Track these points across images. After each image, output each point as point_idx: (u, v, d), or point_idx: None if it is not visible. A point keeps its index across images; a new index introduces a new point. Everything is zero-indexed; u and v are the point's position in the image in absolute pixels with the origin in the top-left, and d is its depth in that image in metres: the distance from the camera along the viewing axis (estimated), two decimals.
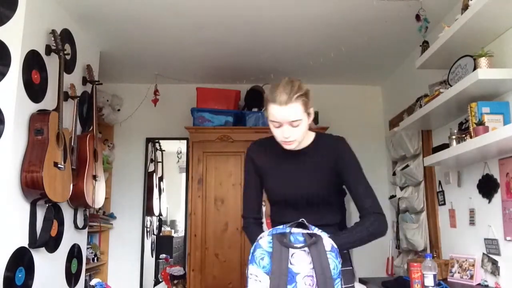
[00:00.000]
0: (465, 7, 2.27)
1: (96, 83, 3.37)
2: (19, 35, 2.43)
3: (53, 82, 2.73)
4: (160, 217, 5.26)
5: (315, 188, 1.69)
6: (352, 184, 1.69)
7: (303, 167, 1.71)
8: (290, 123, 1.59)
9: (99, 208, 4.00)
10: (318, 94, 4.48)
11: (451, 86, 2.48)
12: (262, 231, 1.65)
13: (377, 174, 4.43)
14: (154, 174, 4.87)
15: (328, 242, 1.48)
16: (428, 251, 3.28)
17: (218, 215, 3.76)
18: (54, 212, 2.68)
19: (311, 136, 1.75)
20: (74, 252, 3.06)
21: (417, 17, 2.80)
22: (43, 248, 2.62)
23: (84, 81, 3.29)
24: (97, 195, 3.14)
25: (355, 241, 1.59)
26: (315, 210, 1.69)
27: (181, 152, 5.14)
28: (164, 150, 5.12)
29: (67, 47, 2.96)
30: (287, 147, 1.67)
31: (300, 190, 1.69)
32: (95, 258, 3.94)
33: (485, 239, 2.50)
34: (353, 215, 4.43)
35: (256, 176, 1.78)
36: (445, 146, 2.62)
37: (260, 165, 1.76)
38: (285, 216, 1.68)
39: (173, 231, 6.07)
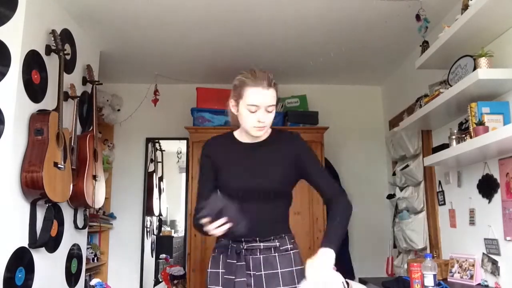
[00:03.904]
0: (465, 7, 2.27)
1: (96, 83, 3.37)
2: (19, 35, 2.43)
3: (53, 82, 2.73)
4: (160, 217, 5.26)
5: (269, 181, 1.68)
6: (315, 175, 1.72)
7: (260, 159, 1.71)
8: (266, 108, 1.63)
9: (99, 208, 4.00)
10: (318, 94, 4.55)
11: (451, 86, 2.47)
12: None
13: (377, 174, 4.44)
14: (154, 174, 4.88)
15: None
16: (428, 251, 3.28)
17: None
18: (54, 212, 2.68)
19: (268, 131, 1.76)
20: (74, 252, 3.06)
21: (417, 17, 2.80)
22: (43, 248, 2.62)
23: (84, 81, 3.29)
24: (97, 195, 3.14)
25: (341, 233, 1.61)
26: (267, 203, 1.68)
27: (181, 152, 5.14)
28: (164, 150, 5.12)
29: (67, 47, 2.96)
30: (258, 133, 1.68)
31: (254, 182, 1.67)
32: (95, 258, 3.94)
33: (485, 239, 2.50)
34: (352, 215, 4.42)
35: (211, 171, 1.75)
36: (445, 146, 2.62)
37: (216, 160, 1.74)
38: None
39: (173, 231, 6.07)
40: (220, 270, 1.69)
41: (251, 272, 1.64)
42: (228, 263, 1.66)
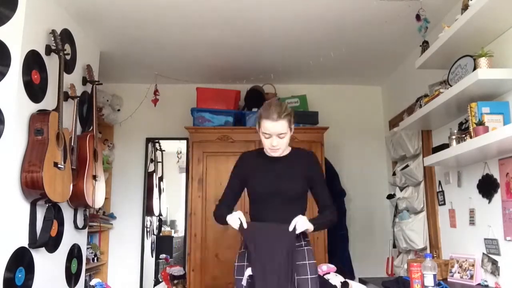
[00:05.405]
0: (465, 7, 2.27)
1: (96, 83, 3.37)
2: (19, 35, 2.43)
3: (53, 82, 2.73)
4: (160, 217, 5.26)
5: (289, 186, 2.12)
6: (320, 190, 2.21)
7: (281, 170, 2.14)
8: (278, 135, 2.07)
9: (99, 208, 4.00)
10: (318, 94, 4.55)
11: (451, 86, 2.48)
12: (230, 213, 2.12)
13: (377, 174, 4.44)
14: (154, 174, 4.87)
15: None
16: (428, 251, 3.28)
17: None
18: (54, 212, 2.68)
19: (289, 149, 2.23)
20: (74, 252, 3.06)
21: (417, 17, 2.80)
22: (43, 248, 2.62)
23: (84, 81, 3.29)
24: (97, 195, 3.14)
25: (323, 223, 2.18)
26: (286, 205, 2.09)
27: (181, 152, 5.14)
28: (164, 150, 5.12)
29: (67, 47, 2.96)
30: (272, 154, 2.14)
31: (279, 186, 2.10)
32: (95, 258, 3.94)
33: (485, 239, 2.50)
34: (352, 215, 4.44)
35: (240, 180, 2.22)
36: (445, 146, 2.62)
37: (247, 169, 2.20)
38: (264, 210, 2.11)
39: (173, 231, 6.07)
40: (245, 263, 2.07)
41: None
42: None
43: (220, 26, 3.26)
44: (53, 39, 2.68)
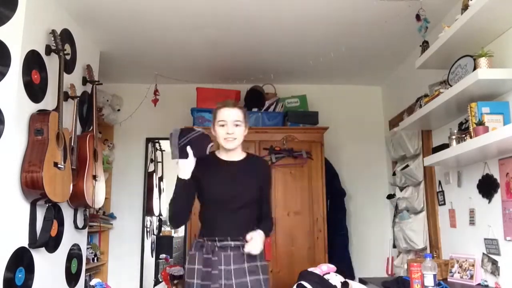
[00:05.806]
0: (465, 7, 2.27)
1: (96, 83, 3.37)
2: (19, 35, 2.43)
3: (53, 82, 2.73)
4: (160, 217, 5.27)
5: (246, 191, 2.10)
6: (264, 200, 2.21)
7: (236, 174, 2.12)
8: (233, 122, 2.08)
9: (99, 208, 4.00)
10: (318, 94, 4.55)
11: (451, 86, 2.48)
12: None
13: (377, 174, 4.43)
14: (154, 174, 4.88)
15: None
16: (428, 251, 3.28)
17: None
18: (54, 212, 2.69)
19: (243, 154, 2.21)
20: (74, 252, 3.06)
21: (417, 17, 2.80)
22: (43, 248, 2.62)
23: (84, 81, 3.29)
24: (97, 195, 3.14)
25: (266, 234, 2.12)
26: (240, 210, 2.07)
27: None
28: (164, 150, 5.12)
29: (67, 47, 2.96)
30: (228, 145, 2.09)
31: (233, 191, 2.08)
32: (95, 258, 3.94)
33: (485, 239, 2.50)
34: (353, 215, 4.43)
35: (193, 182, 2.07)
36: (445, 146, 2.62)
37: (200, 172, 2.06)
38: (216, 215, 2.08)
39: (173, 231, 6.07)
40: (196, 266, 2.04)
41: (222, 267, 1.99)
42: (205, 258, 2.02)
43: (220, 26, 3.26)
44: (53, 39, 2.68)
